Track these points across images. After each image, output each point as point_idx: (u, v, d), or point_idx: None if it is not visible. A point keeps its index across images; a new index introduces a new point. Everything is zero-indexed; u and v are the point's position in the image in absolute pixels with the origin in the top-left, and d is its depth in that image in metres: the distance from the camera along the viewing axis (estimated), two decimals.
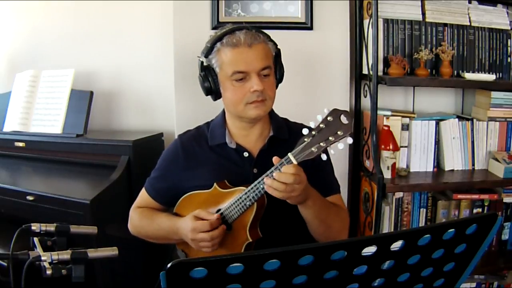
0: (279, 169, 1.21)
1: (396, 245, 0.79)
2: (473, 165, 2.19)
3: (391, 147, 2.01)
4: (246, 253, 1.02)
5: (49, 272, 0.98)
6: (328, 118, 1.18)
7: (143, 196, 1.57)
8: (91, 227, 1.21)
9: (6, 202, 1.97)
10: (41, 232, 1.13)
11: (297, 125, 1.54)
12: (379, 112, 2.05)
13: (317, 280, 0.78)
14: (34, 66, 2.34)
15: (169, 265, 0.70)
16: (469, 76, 2.12)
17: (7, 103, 2.32)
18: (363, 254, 0.78)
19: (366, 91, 2.13)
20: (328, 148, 1.18)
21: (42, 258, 0.99)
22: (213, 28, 2.09)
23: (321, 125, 1.18)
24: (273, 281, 0.76)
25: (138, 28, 2.35)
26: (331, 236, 1.38)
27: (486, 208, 2.17)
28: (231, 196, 1.34)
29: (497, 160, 2.12)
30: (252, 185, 1.28)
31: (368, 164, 2.12)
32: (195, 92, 2.13)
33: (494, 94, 2.14)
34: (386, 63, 2.10)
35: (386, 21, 2.10)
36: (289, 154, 1.22)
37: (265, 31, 1.46)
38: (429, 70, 2.12)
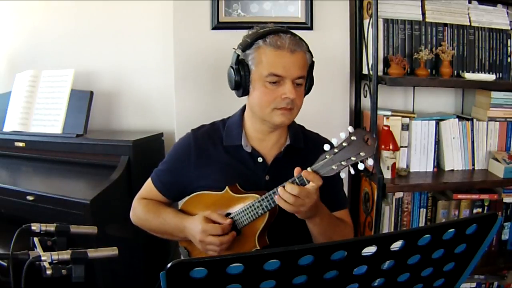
0: (296, 182, 1.21)
1: (396, 245, 0.79)
2: (473, 165, 2.19)
3: (391, 147, 2.01)
4: (246, 253, 1.01)
5: (49, 272, 0.98)
6: (352, 138, 1.16)
7: (148, 187, 1.53)
8: (91, 227, 1.21)
9: (6, 202, 1.97)
10: (41, 232, 1.13)
11: (313, 134, 1.52)
12: (379, 112, 2.05)
13: (317, 280, 0.78)
14: (34, 66, 2.34)
15: (169, 265, 0.70)
16: (469, 76, 2.12)
17: (7, 103, 2.32)
18: (363, 254, 0.78)
19: (366, 91, 2.13)
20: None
21: (42, 258, 0.99)
22: (213, 28, 2.10)
23: (343, 144, 1.17)
24: (273, 281, 0.76)
25: (138, 28, 2.35)
26: None
27: (486, 208, 2.17)
28: (243, 202, 1.33)
29: (497, 160, 2.12)
30: (267, 194, 1.27)
31: None
32: (195, 92, 2.14)
33: (494, 94, 2.14)
34: (386, 63, 2.10)
35: (386, 21, 2.10)
36: (309, 169, 1.21)
37: None
38: (429, 70, 2.12)
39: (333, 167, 1.18)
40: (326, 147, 1.19)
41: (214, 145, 1.45)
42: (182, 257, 1.50)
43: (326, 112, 2.14)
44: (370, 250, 0.77)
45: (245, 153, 1.42)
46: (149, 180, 1.53)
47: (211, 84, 2.11)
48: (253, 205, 1.30)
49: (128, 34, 2.36)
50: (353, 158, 1.16)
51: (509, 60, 2.21)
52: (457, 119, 2.16)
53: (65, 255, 1.01)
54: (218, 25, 2.09)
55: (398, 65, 2.04)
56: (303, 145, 1.45)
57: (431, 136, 2.15)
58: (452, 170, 2.17)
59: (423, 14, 2.15)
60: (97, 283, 1.88)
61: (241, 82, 1.36)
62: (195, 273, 0.71)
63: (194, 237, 1.35)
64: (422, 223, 2.15)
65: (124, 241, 1.99)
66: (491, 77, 2.13)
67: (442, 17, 2.15)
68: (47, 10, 2.39)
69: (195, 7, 2.09)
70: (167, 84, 2.23)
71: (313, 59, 1.40)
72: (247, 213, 1.31)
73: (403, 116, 2.12)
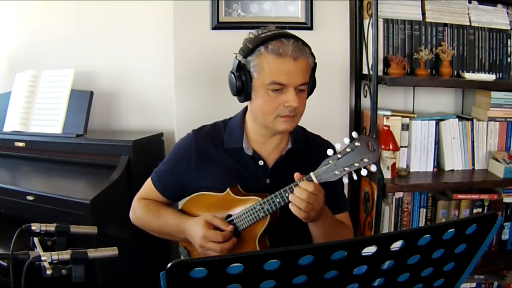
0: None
1: (396, 245, 0.79)
2: (473, 165, 2.19)
3: (391, 147, 2.01)
4: (246, 253, 1.01)
5: (49, 272, 0.98)
6: (356, 143, 1.16)
7: (148, 187, 1.52)
8: (91, 227, 1.21)
9: (6, 202, 1.97)
10: (41, 232, 1.13)
11: (314, 137, 1.51)
12: (379, 112, 2.05)
13: (317, 280, 0.78)
14: (34, 66, 2.34)
15: (169, 265, 0.70)
16: (469, 76, 2.12)
17: (7, 103, 2.32)
18: (363, 254, 0.77)
19: (366, 91, 2.13)
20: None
21: (42, 258, 0.99)
22: (213, 28, 2.10)
23: (347, 149, 1.16)
24: (273, 281, 0.76)
25: (138, 28, 2.35)
26: None
27: (486, 208, 2.17)
28: (244, 204, 1.32)
29: (497, 160, 2.12)
30: (269, 197, 1.27)
31: None
32: (195, 92, 2.14)
33: (494, 94, 2.14)
34: (386, 63, 2.10)
35: (386, 21, 2.10)
36: (311, 174, 1.21)
37: None
38: (429, 70, 2.12)
39: (336, 172, 1.18)
40: (330, 152, 1.18)
41: (215, 146, 1.44)
42: (182, 257, 1.49)
43: (326, 112, 2.14)
44: (370, 250, 0.77)
45: (246, 156, 1.41)
46: (149, 180, 1.52)
47: (211, 84, 2.11)
48: (254, 208, 1.29)
49: (128, 34, 2.36)
50: (356, 164, 1.16)
51: (509, 60, 2.21)
52: (457, 119, 2.16)
53: (65, 255, 1.01)
54: (218, 25, 2.09)
55: (398, 65, 2.04)
56: (305, 148, 1.44)
57: (431, 136, 2.15)
58: (452, 170, 2.17)
59: (423, 14, 2.15)
60: (97, 283, 1.88)
61: (242, 89, 1.34)
62: (195, 273, 0.71)
63: (195, 240, 1.34)
64: (422, 223, 2.15)
65: (124, 241, 1.99)
66: (491, 77, 2.13)
67: (442, 17, 2.15)
68: (47, 10, 2.39)
69: (195, 7, 2.09)
70: (167, 84, 2.23)
71: (315, 60, 1.38)
72: (248, 216, 1.31)
73: (403, 116, 2.12)
